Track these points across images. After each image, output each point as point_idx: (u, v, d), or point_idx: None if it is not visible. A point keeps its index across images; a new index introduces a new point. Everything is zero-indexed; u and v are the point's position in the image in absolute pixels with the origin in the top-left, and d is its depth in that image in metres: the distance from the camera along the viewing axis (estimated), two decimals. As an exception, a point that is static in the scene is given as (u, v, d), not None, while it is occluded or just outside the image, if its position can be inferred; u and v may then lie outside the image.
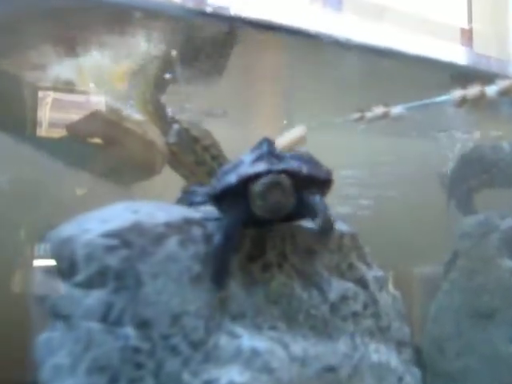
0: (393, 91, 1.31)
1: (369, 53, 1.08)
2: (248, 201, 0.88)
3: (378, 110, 1.37)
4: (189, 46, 1.10)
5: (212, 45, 1.07)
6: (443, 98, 1.21)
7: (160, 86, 1.21)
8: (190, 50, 1.13)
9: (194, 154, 1.26)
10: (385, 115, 1.36)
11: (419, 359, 1.37)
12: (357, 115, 1.43)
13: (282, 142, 1.21)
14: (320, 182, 0.96)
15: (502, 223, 1.46)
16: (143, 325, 0.82)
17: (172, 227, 0.88)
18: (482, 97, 1.12)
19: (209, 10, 0.90)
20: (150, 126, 1.22)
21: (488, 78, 1.15)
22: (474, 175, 1.64)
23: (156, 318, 0.83)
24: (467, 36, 1.50)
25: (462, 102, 1.13)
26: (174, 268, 0.86)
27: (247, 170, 0.88)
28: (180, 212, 0.93)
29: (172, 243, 0.87)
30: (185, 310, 0.85)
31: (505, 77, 1.11)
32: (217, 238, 0.88)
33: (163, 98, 1.22)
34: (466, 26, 1.90)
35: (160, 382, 0.81)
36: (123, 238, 0.83)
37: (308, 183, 0.92)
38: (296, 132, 1.26)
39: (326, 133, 1.56)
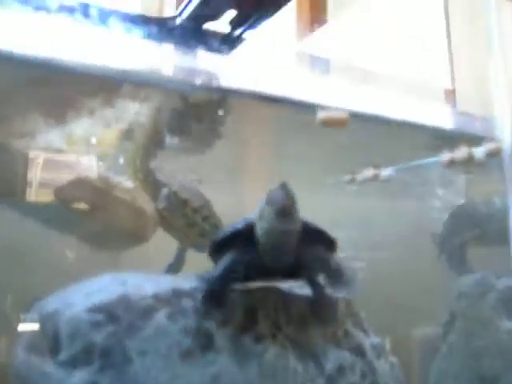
0: (381, 154, 1.32)
1: (357, 118, 1.09)
2: (254, 245, 0.87)
3: (368, 172, 1.38)
4: (179, 114, 1.11)
5: (202, 113, 1.08)
6: (432, 159, 1.22)
7: (149, 152, 1.21)
8: (180, 118, 1.13)
9: (184, 217, 1.25)
10: (375, 177, 1.37)
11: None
12: (348, 177, 1.44)
13: (322, 114, 1.16)
14: (325, 241, 0.95)
15: (498, 283, 1.44)
16: (130, 406, 0.77)
17: (161, 300, 0.85)
18: (469, 158, 1.13)
19: (199, 81, 0.91)
20: (139, 193, 1.21)
21: (474, 139, 1.16)
22: (466, 229, 1.63)
23: (144, 398, 0.79)
24: (451, 97, 1.53)
25: (451, 163, 1.13)
26: (163, 343, 0.82)
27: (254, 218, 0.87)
28: (169, 283, 0.90)
29: (161, 316, 0.84)
30: (175, 388, 0.81)
31: (491, 139, 1.12)
32: (215, 271, 0.87)
33: (153, 164, 1.22)
34: (450, 87, 1.96)
35: None
36: (110, 312, 0.80)
37: (314, 238, 0.93)
38: (338, 113, 1.20)
39: (318, 195, 1.56)
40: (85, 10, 0.87)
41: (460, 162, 1.12)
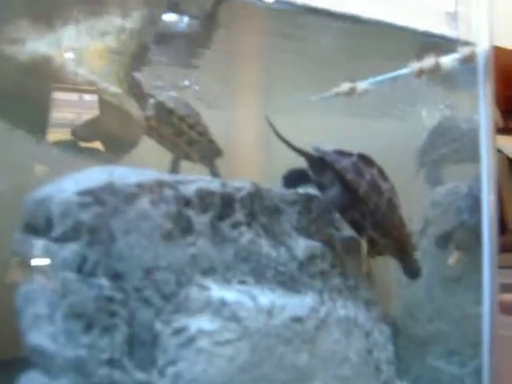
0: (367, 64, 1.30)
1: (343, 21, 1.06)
2: None
3: (344, 86, 1.36)
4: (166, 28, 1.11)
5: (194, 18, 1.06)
6: (405, 70, 1.21)
7: (135, 63, 1.25)
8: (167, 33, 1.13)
9: (171, 126, 1.31)
10: (351, 91, 1.35)
11: (393, 324, 1.42)
12: (346, 87, 1.38)
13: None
14: None
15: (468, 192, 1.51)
16: (116, 277, 0.87)
17: (143, 188, 0.93)
18: (438, 67, 1.12)
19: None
20: (126, 99, 1.26)
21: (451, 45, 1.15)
22: (444, 144, 1.68)
23: (129, 272, 0.88)
24: (452, 20, 1.52)
25: (420, 72, 1.13)
26: (146, 225, 0.91)
27: None
28: (153, 175, 0.98)
29: (143, 202, 0.92)
30: (156, 265, 0.90)
31: (465, 43, 1.11)
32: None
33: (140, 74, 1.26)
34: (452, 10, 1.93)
35: (133, 330, 0.87)
36: (96, 196, 0.88)
37: None
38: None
39: (299, 114, 1.57)
40: None
41: (428, 72, 1.13)
